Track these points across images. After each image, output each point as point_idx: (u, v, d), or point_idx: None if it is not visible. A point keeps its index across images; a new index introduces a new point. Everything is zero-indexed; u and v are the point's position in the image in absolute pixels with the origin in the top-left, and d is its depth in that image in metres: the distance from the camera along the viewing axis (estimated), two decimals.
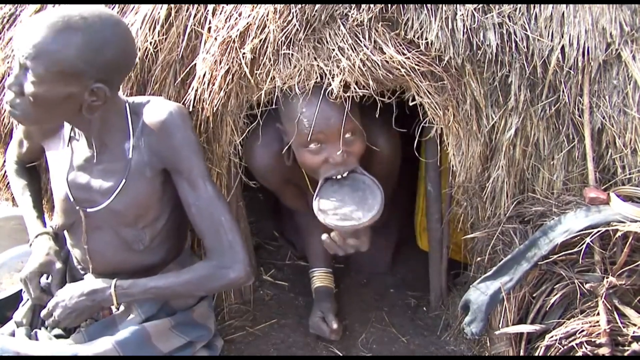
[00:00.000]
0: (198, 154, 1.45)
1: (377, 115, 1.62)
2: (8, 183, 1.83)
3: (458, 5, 1.54)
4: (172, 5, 1.70)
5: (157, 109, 1.43)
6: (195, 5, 1.70)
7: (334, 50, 1.55)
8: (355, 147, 1.64)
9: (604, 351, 1.50)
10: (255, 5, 1.60)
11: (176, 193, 1.49)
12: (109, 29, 1.27)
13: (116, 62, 1.30)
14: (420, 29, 1.55)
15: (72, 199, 1.48)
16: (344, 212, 1.62)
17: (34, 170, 1.78)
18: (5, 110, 1.66)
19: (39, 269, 1.52)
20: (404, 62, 1.53)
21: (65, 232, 1.61)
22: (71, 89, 1.28)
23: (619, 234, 1.49)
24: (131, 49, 1.36)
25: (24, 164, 1.74)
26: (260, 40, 1.58)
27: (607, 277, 1.54)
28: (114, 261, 1.53)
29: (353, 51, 1.54)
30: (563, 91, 1.59)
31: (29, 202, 1.66)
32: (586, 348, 1.51)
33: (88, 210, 1.48)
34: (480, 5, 1.56)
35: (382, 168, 1.83)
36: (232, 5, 1.64)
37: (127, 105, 1.45)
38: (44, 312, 1.48)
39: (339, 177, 1.66)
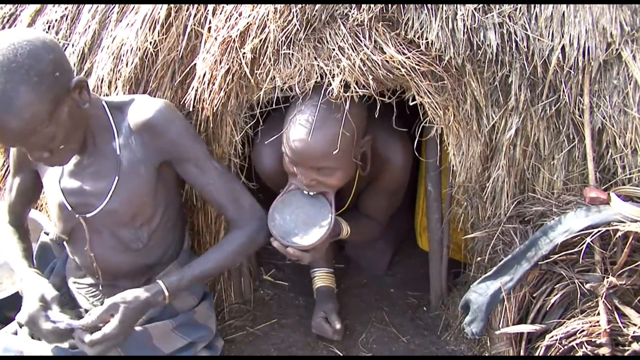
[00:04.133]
0: (197, 139, 1.52)
1: (376, 115, 1.62)
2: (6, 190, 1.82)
3: (458, 5, 1.54)
4: (172, 5, 1.70)
5: (144, 107, 1.43)
6: (195, 5, 1.70)
7: (334, 50, 1.55)
8: (330, 180, 1.61)
9: (604, 351, 1.50)
10: (255, 5, 1.59)
11: (169, 188, 1.51)
12: (32, 47, 1.22)
13: (57, 57, 1.27)
14: (421, 29, 1.55)
15: (68, 206, 1.47)
16: (289, 225, 1.64)
17: (23, 230, 1.71)
18: None
19: (37, 305, 1.40)
20: (404, 62, 1.53)
21: (66, 243, 1.60)
22: (63, 107, 1.28)
23: (619, 234, 1.49)
24: (48, 38, 1.30)
25: (16, 224, 1.68)
26: (260, 40, 1.58)
27: (608, 277, 1.54)
28: (115, 263, 1.52)
29: (353, 51, 1.54)
30: (563, 91, 1.59)
31: (18, 256, 1.58)
32: (586, 348, 1.51)
33: (87, 216, 1.47)
34: (481, 5, 1.56)
35: (392, 179, 1.84)
36: (232, 5, 1.64)
37: (103, 103, 1.45)
38: (97, 338, 1.33)
39: (305, 191, 1.67)
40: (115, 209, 1.45)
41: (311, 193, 1.67)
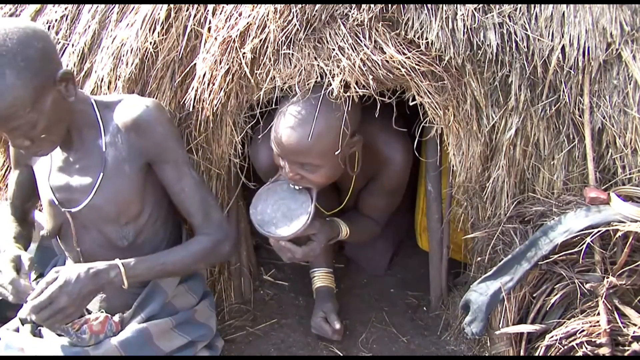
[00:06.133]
0: (180, 143, 1.52)
1: (377, 115, 1.62)
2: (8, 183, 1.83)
3: (458, 5, 1.54)
4: (172, 6, 1.70)
5: (132, 106, 1.45)
6: (195, 5, 1.70)
7: (334, 50, 1.55)
8: (313, 177, 1.61)
9: (604, 351, 1.50)
10: (255, 5, 1.59)
11: (157, 187, 1.52)
12: (22, 34, 1.24)
13: (46, 47, 1.29)
14: (421, 29, 1.55)
15: (56, 202, 1.49)
16: (268, 215, 1.66)
17: (24, 222, 1.72)
18: None
19: (8, 263, 1.38)
20: (404, 62, 1.53)
21: (58, 239, 1.60)
22: (46, 97, 1.29)
23: (619, 234, 1.49)
24: (39, 28, 1.32)
25: (18, 217, 1.69)
26: (260, 40, 1.58)
27: (608, 277, 1.54)
28: (102, 260, 1.52)
29: (353, 51, 1.54)
30: (563, 91, 1.59)
31: (9, 237, 1.59)
32: (586, 348, 1.51)
33: (72, 210, 1.48)
34: (481, 5, 1.56)
35: (392, 178, 1.84)
36: (232, 5, 1.64)
37: (92, 100, 1.47)
38: (37, 302, 1.29)
39: (291, 184, 1.68)
40: (99, 205, 1.46)
41: (296, 187, 1.67)
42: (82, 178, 1.47)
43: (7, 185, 1.88)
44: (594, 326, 1.52)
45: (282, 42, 1.56)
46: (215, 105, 1.65)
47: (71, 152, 1.48)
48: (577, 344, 1.52)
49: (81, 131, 1.45)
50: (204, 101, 1.66)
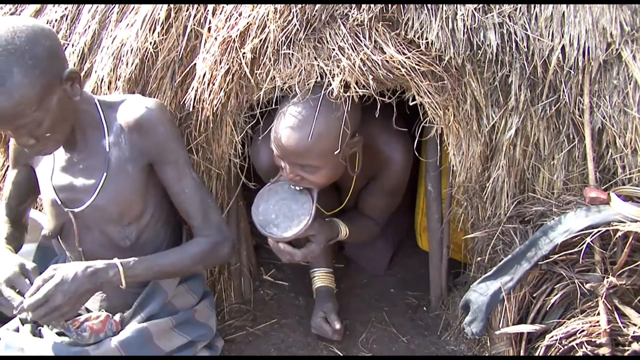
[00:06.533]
0: (181, 144, 1.52)
1: (377, 115, 1.62)
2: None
3: (458, 5, 1.54)
4: (172, 6, 1.70)
5: (135, 106, 1.45)
6: (195, 5, 1.70)
7: (334, 50, 1.55)
8: (313, 177, 1.61)
9: (604, 351, 1.50)
10: (255, 5, 1.60)
11: (158, 188, 1.52)
12: (30, 32, 1.24)
13: (53, 45, 1.29)
14: (421, 29, 1.55)
15: (59, 202, 1.49)
16: (270, 216, 1.67)
17: (18, 224, 1.71)
18: None
19: (8, 274, 1.36)
20: (404, 62, 1.53)
21: (59, 239, 1.60)
22: (53, 95, 1.29)
23: (619, 234, 1.49)
24: (47, 26, 1.33)
25: (12, 218, 1.69)
26: (260, 40, 1.58)
27: (608, 277, 1.54)
28: (104, 260, 1.52)
29: (353, 51, 1.54)
30: (563, 91, 1.59)
31: (2, 241, 1.58)
32: (586, 348, 1.51)
33: (75, 210, 1.48)
34: (481, 5, 1.56)
35: (392, 178, 1.84)
36: (232, 5, 1.64)
37: (95, 100, 1.47)
38: (33, 300, 1.28)
39: (291, 185, 1.68)
40: (102, 205, 1.46)
41: (297, 188, 1.67)
42: (86, 178, 1.47)
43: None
44: (594, 326, 1.52)
45: (282, 42, 1.57)
46: (215, 105, 1.65)
47: (75, 152, 1.48)
48: (577, 344, 1.52)
49: (85, 131, 1.46)
50: (204, 101, 1.66)
